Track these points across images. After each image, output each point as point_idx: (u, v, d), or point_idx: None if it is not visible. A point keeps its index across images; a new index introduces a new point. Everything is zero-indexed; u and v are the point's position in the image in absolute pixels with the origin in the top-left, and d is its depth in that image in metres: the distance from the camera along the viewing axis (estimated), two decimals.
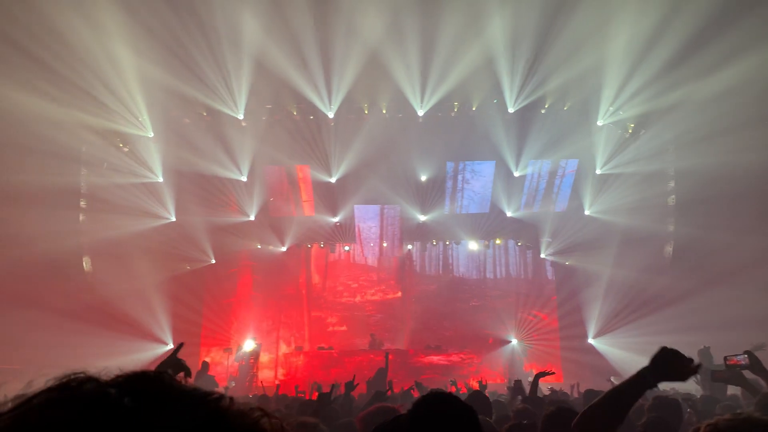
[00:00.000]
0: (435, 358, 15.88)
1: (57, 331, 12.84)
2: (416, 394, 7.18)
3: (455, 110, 16.60)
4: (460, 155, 17.98)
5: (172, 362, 3.08)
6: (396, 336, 18.47)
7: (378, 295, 19.50)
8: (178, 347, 3.25)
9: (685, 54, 12.47)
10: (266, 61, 13.86)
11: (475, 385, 10.19)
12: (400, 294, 19.52)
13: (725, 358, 5.09)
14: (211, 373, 13.70)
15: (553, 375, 7.32)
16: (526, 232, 19.15)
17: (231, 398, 0.76)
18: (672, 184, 16.44)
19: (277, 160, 17.49)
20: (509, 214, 18.63)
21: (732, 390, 7.26)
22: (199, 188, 17.39)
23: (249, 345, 16.91)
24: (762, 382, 4.56)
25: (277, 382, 14.13)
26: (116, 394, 0.70)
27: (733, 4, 11.39)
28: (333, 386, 5.88)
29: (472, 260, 19.90)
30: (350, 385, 6.49)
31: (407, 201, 18.44)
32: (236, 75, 14.51)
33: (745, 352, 4.76)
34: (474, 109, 16.49)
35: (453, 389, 9.48)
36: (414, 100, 15.65)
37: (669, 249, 16.79)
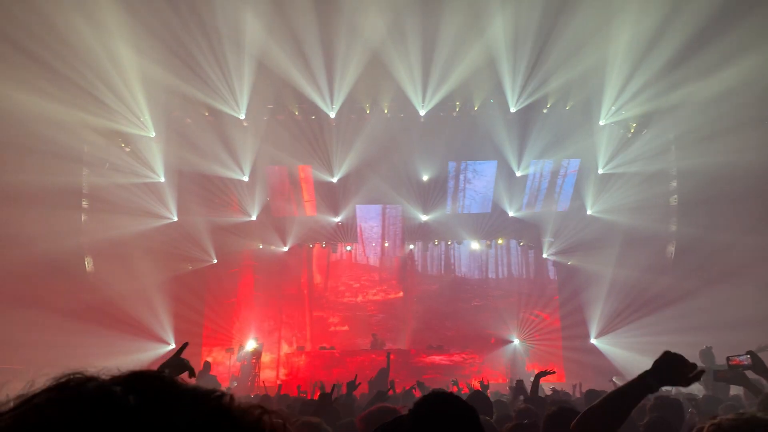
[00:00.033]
0: (437, 358, 15.87)
1: (59, 331, 12.85)
2: (418, 394, 7.17)
3: (457, 110, 16.60)
4: (461, 155, 17.97)
5: (176, 362, 3.07)
6: (397, 336, 18.47)
7: (380, 295, 19.50)
8: (182, 347, 3.24)
9: (687, 54, 12.46)
10: (268, 60, 13.87)
11: (477, 385, 10.19)
12: (401, 294, 19.51)
13: (728, 359, 5.08)
14: (213, 373, 13.72)
15: (554, 374, 7.32)
16: (528, 231, 19.13)
17: (232, 396, 0.76)
18: (674, 183, 16.42)
19: (279, 160, 17.50)
20: (511, 213, 18.62)
21: (734, 390, 7.25)
22: (201, 188, 17.41)
23: (251, 345, 16.92)
24: (764, 383, 4.56)
25: (279, 382, 14.12)
26: (121, 393, 0.70)
27: (735, 4, 11.37)
28: (334, 386, 5.88)
29: (474, 260, 19.89)
30: (352, 385, 6.49)
31: (409, 201, 18.44)
32: (238, 75, 14.52)
33: (748, 353, 4.75)
34: (476, 108, 16.49)
35: (454, 389, 9.47)
36: (416, 100, 15.65)
37: (671, 249, 16.76)
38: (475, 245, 19.69)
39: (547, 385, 11.27)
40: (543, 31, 13.16)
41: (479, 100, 16.28)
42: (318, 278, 19.67)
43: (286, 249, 19.18)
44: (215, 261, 18.48)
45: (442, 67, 14.41)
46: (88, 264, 16.19)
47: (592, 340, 17.46)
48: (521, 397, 6.45)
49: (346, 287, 19.55)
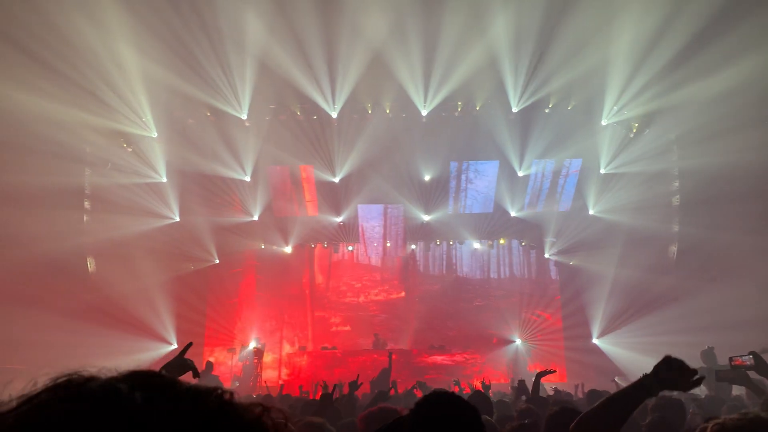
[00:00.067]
0: (439, 358, 15.88)
1: (61, 332, 12.85)
2: (419, 394, 7.17)
3: (459, 110, 16.60)
4: (463, 155, 17.97)
5: (179, 362, 3.07)
6: (400, 336, 18.46)
7: (381, 295, 19.50)
8: (186, 347, 3.23)
9: (689, 53, 12.44)
10: (270, 61, 13.87)
11: (478, 386, 10.19)
12: (403, 294, 19.51)
13: (730, 359, 5.08)
14: (215, 373, 13.76)
15: (555, 374, 7.32)
16: (530, 231, 19.12)
17: (232, 393, 0.77)
18: (676, 183, 16.40)
19: (281, 160, 17.50)
20: (513, 213, 18.61)
21: (736, 390, 7.25)
22: (203, 188, 17.42)
23: (253, 345, 16.93)
24: (767, 383, 4.55)
25: (281, 382, 14.13)
26: (127, 390, 0.70)
27: (736, 4, 11.36)
28: (335, 386, 5.89)
29: (476, 260, 19.88)
30: (354, 385, 6.49)
31: (411, 201, 18.44)
32: (240, 75, 14.52)
33: (751, 353, 4.75)
34: (478, 108, 16.48)
35: (456, 389, 9.48)
36: (417, 100, 15.65)
37: (673, 249, 16.75)
38: (476, 245, 19.68)
39: (548, 386, 11.28)
40: (545, 31, 13.15)
41: (481, 100, 16.27)
42: (320, 278, 19.68)
43: (288, 249, 19.19)
44: (217, 261, 18.50)
45: (444, 67, 14.41)
46: (90, 264, 16.21)
47: (594, 340, 17.45)
48: (523, 397, 6.45)
49: (348, 287, 19.55)
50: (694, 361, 9.21)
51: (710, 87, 12.76)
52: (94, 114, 13.92)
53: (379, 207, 19.07)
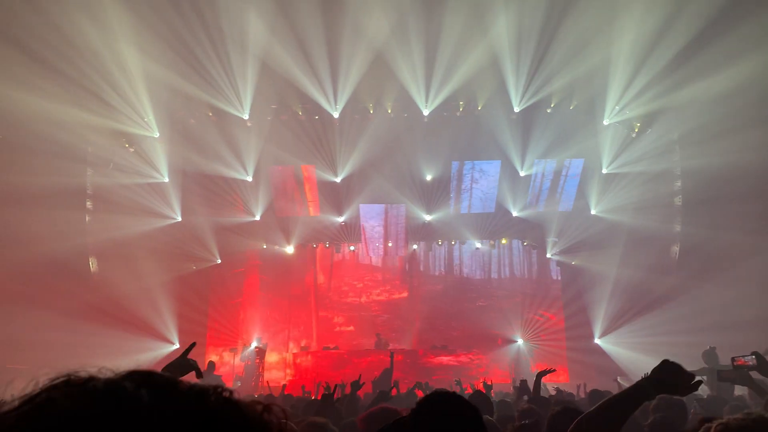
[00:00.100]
0: (445, 359, 15.90)
1: (63, 332, 12.87)
2: (421, 394, 7.17)
3: (461, 110, 16.59)
4: (465, 155, 17.95)
5: (182, 362, 3.06)
6: (402, 336, 18.45)
7: (383, 295, 19.50)
8: (189, 347, 3.23)
9: (691, 53, 12.42)
10: (271, 61, 13.88)
11: (480, 386, 10.18)
12: (405, 294, 19.51)
13: (733, 359, 5.07)
14: (217, 373, 13.78)
15: (555, 372, 7.32)
16: (532, 231, 19.11)
17: (231, 391, 0.77)
18: (678, 183, 16.38)
19: (283, 160, 17.51)
20: (515, 213, 18.60)
21: (739, 391, 7.24)
22: (205, 188, 17.43)
23: (255, 345, 16.93)
24: None
25: (283, 382, 14.12)
26: (132, 387, 0.71)
27: (738, 3, 11.34)
28: (336, 386, 5.89)
29: (478, 260, 19.88)
30: (356, 385, 6.49)
31: (412, 201, 18.43)
32: (241, 75, 14.53)
33: (753, 353, 4.74)
34: (479, 108, 16.47)
35: (457, 389, 9.47)
36: (419, 100, 15.64)
37: (675, 249, 16.72)
38: (478, 245, 19.66)
39: (551, 386, 11.28)
40: (547, 31, 13.14)
41: (483, 99, 16.26)
42: (321, 278, 19.68)
43: (290, 249, 19.20)
44: (219, 261, 18.52)
45: (445, 67, 14.41)
46: (92, 264, 16.23)
47: (597, 341, 17.43)
48: (525, 397, 6.45)
49: (350, 287, 19.56)
50: (696, 361, 9.22)
51: (712, 87, 12.74)
52: (96, 114, 13.94)
53: (381, 207, 19.07)
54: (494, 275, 19.77)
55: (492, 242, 19.65)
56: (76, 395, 0.68)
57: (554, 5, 12.48)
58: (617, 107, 15.34)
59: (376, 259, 19.79)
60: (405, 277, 19.71)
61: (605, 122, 15.93)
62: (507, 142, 16.91)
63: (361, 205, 18.61)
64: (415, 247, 19.85)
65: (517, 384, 7.96)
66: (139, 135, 15.53)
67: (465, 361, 15.98)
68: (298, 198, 18.51)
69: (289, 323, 19.00)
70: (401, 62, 14.21)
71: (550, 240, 18.94)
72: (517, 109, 15.91)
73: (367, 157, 16.80)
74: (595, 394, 6.34)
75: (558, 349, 18.10)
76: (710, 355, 9.16)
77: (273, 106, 16.33)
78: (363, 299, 19.39)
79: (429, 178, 18.20)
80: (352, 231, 19.19)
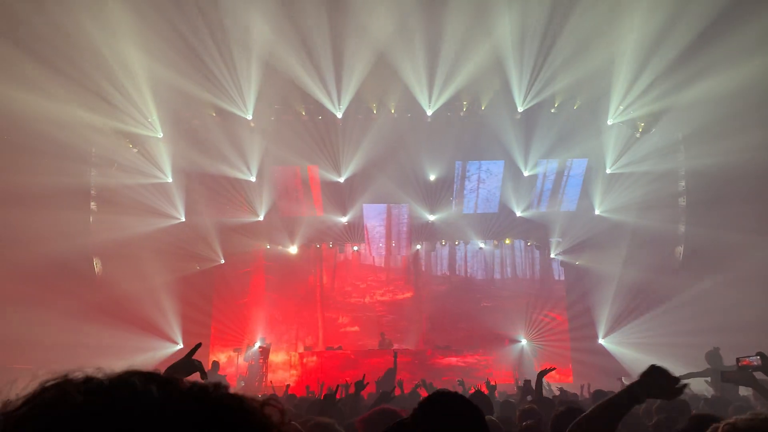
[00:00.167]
0: (453, 359, 15.90)
1: (67, 332, 12.92)
2: (424, 394, 7.16)
3: (464, 110, 16.57)
4: (469, 154, 17.95)
5: (187, 363, 3.07)
6: (407, 336, 18.42)
7: (387, 295, 19.50)
8: (195, 348, 3.23)
9: (695, 52, 12.38)
10: (275, 61, 13.89)
11: (483, 386, 10.17)
12: (409, 294, 19.50)
13: (737, 359, 5.06)
14: (221, 373, 13.79)
15: (559, 373, 7.32)
16: (535, 231, 19.09)
17: (227, 386, 0.78)
18: (683, 183, 16.34)
19: (286, 160, 17.53)
20: (519, 213, 18.59)
21: (744, 391, 7.22)
22: (208, 189, 17.47)
23: (258, 345, 16.94)
24: None
25: (287, 382, 14.12)
26: (141, 383, 0.71)
27: (742, 2, 11.30)
28: (338, 386, 5.89)
29: (482, 260, 19.85)
30: (360, 385, 6.49)
31: (416, 201, 18.44)
32: (245, 75, 14.54)
33: (758, 354, 4.73)
34: (483, 108, 16.45)
35: (460, 389, 9.46)
36: (423, 100, 15.63)
37: (680, 249, 16.69)
38: (482, 245, 19.65)
39: (555, 386, 11.27)
40: (550, 31, 13.12)
41: (486, 99, 16.24)
42: (325, 279, 19.68)
43: (294, 249, 19.22)
44: (222, 261, 18.54)
45: (449, 67, 14.39)
46: (96, 265, 16.26)
47: (600, 341, 17.40)
48: (528, 398, 6.45)
49: (353, 287, 19.56)
50: (699, 362, 9.19)
51: (716, 86, 12.70)
52: (99, 114, 13.98)
53: (384, 206, 19.08)
54: (498, 276, 19.75)
55: (495, 242, 19.63)
56: (88, 390, 0.69)
57: (558, 5, 12.46)
58: (621, 107, 15.31)
59: (379, 260, 19.78)
60: (409, 277, 19.70)
61: (609, 122, 15.89)
62: (510, 142, 16.89)
63: (364, 205, 18.62)
64: (418, 247, 19.84)
65: (521, 384, 7.95)
66: (142, 135, 15.57)
67: (472, 362, 15.98)
68: (301, 198, 18.52)
69: (295, 324, 18.99)
70: (405, 62, 14.21)
71: (554, 240, 18.92)
72: (520, 109, 15.88)
73: (370, 157, 16.81)
74: (598, 394, 6.33)
75: (562, 349, 18.07)
76: (714, 355, 9.14)
77: (276, 107, 16.34)
78: (367, 299, 19.38)
79: (432, 178, 18.20)
80: (355, 231, 19.20)
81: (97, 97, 13.47)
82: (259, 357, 16.11)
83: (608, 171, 16.84)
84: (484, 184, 18.47)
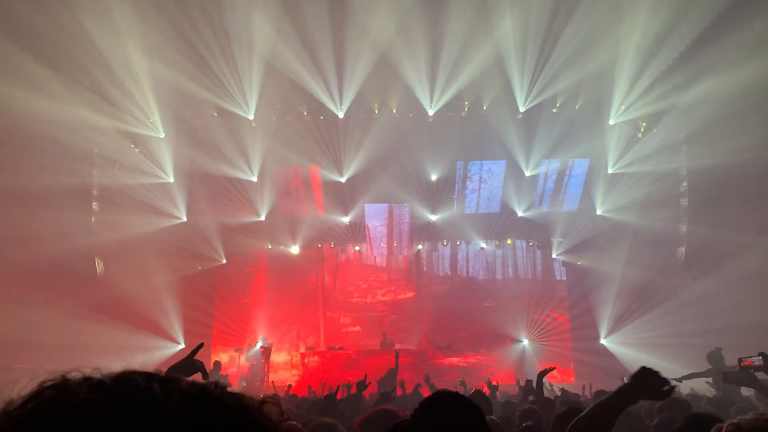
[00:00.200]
0: (455, 360, 15.90)
1: (69, 332, 12.92)
2: (425, 394, 7.16)
3: (466, 110, 16.57)
4: (470, 155, 17.94)
5: (188, 363, 3.07)
6: (409, 336, 18.40)
7: (389, 295, 19.49)
8: (197, 348, 3.23)
9: (697, 52, 12.37)
10: (277, 61, 13.90)
11: (485, 386, 10.17)
12: (411, 294, 19.49)
13: (739, 360, 5.06)
14: (223, 373, 13.80)
15: (561, 373, 7.32)
16: (537, 232, 19.07)
17: (227, 386, 0.78)
18: (685, 184, 16.32)
19: (288, 160, 17.53)
20: (520, 213, 18.57)
21: (746, 392, 7.20)
22: (210, 189, 17.48)
23: (260, 345, 16.95)
24: None
25: (289, 382, 14.12)
26: (143, 382, 0.71)
27: (745, 3, 11.29)
28: (339, 386, 5.90)
29: (483, 260, 19.84)
30: (362, 385, 6.50)
31: (417, 201, 18.43)
32: (247, 76, 14.55)
33: (760, 354, 4.73)
34: (485, 108, 16.44)
35: (461, 389, 9.46)
36: (424, 100, 15.63)
37: (682, 249, 16.66)
38: (483, 245, 19.64)
39: (557, 386, 11.26)
40: (552, 30, 13.11)
41: (488, 99, 16.23)
42: (327, 279, 19.68)
43: (295, 249, 19.22)
44: (224, 261, 18.55)
45: (450, 67, 14.39)
46: (99, 265, 16.27)
47: (602, 341, 17.38)
48: (530, 398, 6.44)
49: (355, 287, 19.55)
50: (701, 362, 9.18)
51: (718, 86, 12.69)
52: (101, 115, 14.00)
53: (386, 206, 19.08)
54: (499, 276, 19.74)
55: (497, 242, 19.62)
56: (89, 388, 0.69)
57: (560, 5, 12.45)
58: (623, 107, 15.30)
59: (380, 260, 19.77)
60: (410, 277, 19.69)
61: (611, 122, 15.88)
62: (512, 142, 16.88)
63: (366, 205, 18.62)
64: (420, 247, 19.83)
65: (523, 384, 7.94)
66: (144, 135, 15.59)
67: (474, 362, 15.98)
68: (303, 198, 18.53)
69: (297, 324, 18.98)
70: (406, 62, 14.21)
71: (556, 240, 18.90)
72: (522, 109, 15.87)
73: (372, 157, 16.81)
74: (600, 394, 6.32)
75: (564, 349, 18.05)
76: (715, 356, 9.14)
77: (278, 107, 16.36)
78: (368, 299, 19.38)
79: (434, 178, 18.19)
80: (357, 231, 19.20)
81: (99, 98, 13.49)
82: (260, 357, 16.11)
83: (610, 171, 16.82)
84: (486, 184, 18.47)
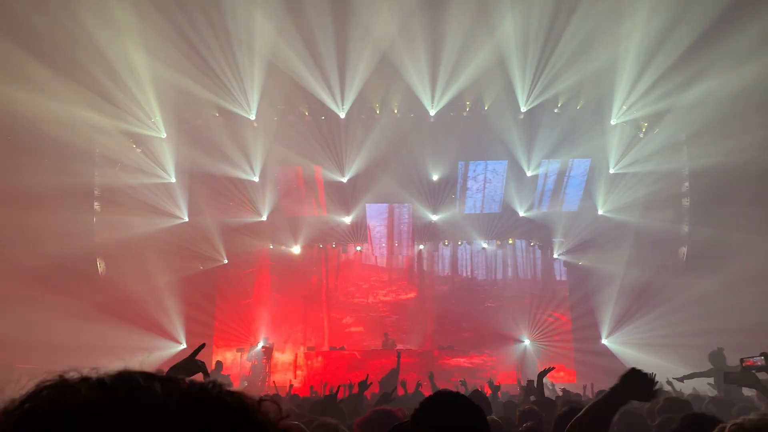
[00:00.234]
0: (460, 360, 15.88)
1: (71, 332, 12.93)
2: (426, 394, 7.15)
3: (467, 110, 16.56)
4: (472, 155, 17.93)
5: (190, 363, 3.07)
6: (412, 337, 18.37)
7: (390, 295, 19.48)
8: (198, 349, 3.23)
9: (699, 52, 12.36)
10: (278, 61, 13.91)
11: (486, 386, 10.17)
12: (413, 294, 19.47)
13: (741, 360, 5.06)
14: (224, 373, 13.81)
15: (562, 373, 7.32)
16: (538, 232, 19.05)
17: (225, 385, 0.79)
18: (686, 184, 16.30)
19: (289, 160, 17.53)
20: (522, 213, 18.55)
21: (748, 392, 7.20)
22: (212, 189, 17.48)
23: (261, 344, 16.95)
24: None
25: (291, 382, 14.11)
26: (143, 381, 0.71)
27: (746, 2, 11.27)
28: (340, 386, 5.90)
29: (485, 260, 19.82)
30: (363, 385, 6.49)
31: (419, 201, 18.42)
32: (248, 76, 14.55)
33: (762, 354, 4.73)
34: (486, 108, 16.43)
35: (462, 389, 9.46)
36: (425, 100, 15.63)
37: (683, 250, 16.64)
38: (485, 245, 19.63)
39: (558, 386, 11.26)
40: (553, 31, 13.11)
41: (489, 99, 16.22)
42: (328, 279, 19.66)
43: (297, 249, 19.22)
44: (226, 261, 18.55)
45: (452, 67, 14.39)
46: (100, 265, 16.28)
47: (604, 341, 17.37)
48: (532, 398, 6.44)
49: (356, 288, 19.54)
50: (702, 362, 9.17)
51: (720, 86, 12.67)
52: (103, 115, 14.01)
53: (387, 206, 19.07)
54: (501, 276, 19.72)
55: (498, 242, 19.61)
56: (89, 387, 0.69)
57: (561, 5, 12.45)
58: (624, 107, 15.29)
59: (381, 260, 19.76)
60: (412, 277, 19.68)
61: (612, 122, 15.87)
62: (514, 142, 16.87)
63: (367, 205, 18.61)
64: (421, 247, 19.82)
65: (524, 384, 7.94)
66: (146, 135, 15.60)
67: (478, 363, 15.97)
68: (304, 198, 18.53)
69: (299, 324, 18.97)
70: (408, 62, 14.21)
71: (557, 240, 18.88)
72: (523, 109, 15.87)
73: (373, 157, 16.81)
74: (601, 394, 6.32)
75: (565, 349, 18.04)
76: (717, 356, 9.13)
77: (279, 107, 16.36)
78: (370, 300, 19.36)
79: (435, 178, 18.18)
80: (358, 231, 19.19)
81: (101, 98, 13.50)
82: (262, 357, 16.11)
83: (611, 171, 16.81)
84: (487, 184, 18.45)
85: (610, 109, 15.54)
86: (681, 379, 8.59)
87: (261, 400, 0.80)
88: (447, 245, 19.69)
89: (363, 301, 19.35)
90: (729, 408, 5.10)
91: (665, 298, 15.61)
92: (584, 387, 10.60)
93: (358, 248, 19.53)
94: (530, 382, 7.42)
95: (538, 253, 19.68)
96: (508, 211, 18.63)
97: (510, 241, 19.57)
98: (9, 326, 12.02)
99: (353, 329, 18.96)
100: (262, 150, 16.84)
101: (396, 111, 16.50)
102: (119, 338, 14.01)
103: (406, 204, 18.83)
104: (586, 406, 2.42)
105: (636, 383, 2.30)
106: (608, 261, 17.07)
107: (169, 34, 12.55)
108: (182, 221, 17.17)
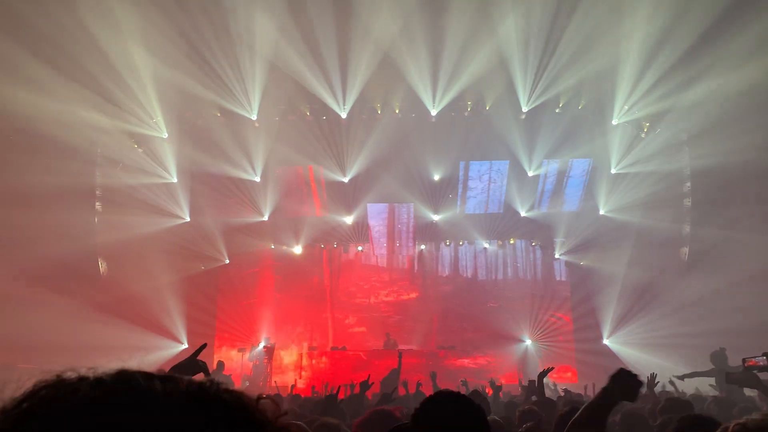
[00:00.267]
0: (464, 361, 15.88)
1: (72, 332, 12.94)
2: (427, 394, 7.14)
3: (468, 110, 16.56)
4: (473, 155, 17.92)
5: (191, 363, 3.07)
6: (414, 337, 18.35)
7: (392, 296, 19.47)
8: (200, 349, 3.23)
9: (700, 51, 12.34)
10: (280, 61, 13.90)
11: (488, 386, 10.17)
12: (414, 295, 19.47)
13: (743, 360, 5.05)
14: (226, 373, 13.81)
15: (564, 373, 7.32)
16: (540, 232, 19.04)
17: (224, 384, 0.79)
18: (688, 184, 16.29)
19: (291, 161, 17.54)
20: (523, 214, 18.54)
21: (749, 392, 7.19)
22: (213, 189, 17.48)
23: (263, 344, 16.95)
24: None
25: (292, 383, 14.12)
26: (143, 380, 0.71)
27: (747, 1, 11.26)
28: (341, 386, 5.90)
29: (486, 261, 19.81)
30: (365, 385, 6.50)
31: (420, 201, 18.42)
32: (250, 76, 14.55)
33: (764, 354, 4.72)
34: (487, 108, 16.42)
35: (463, 389, 9.46)
36: (427, 100, 15.62)
37: (685, 250, 16.63)
38: (486, 245, 19.62)
39: (560, 386, 11.25)
40: (555, 31, 13.10)
41: (491, 99, 16.22)
42: (332, 279, 19.66)
43: (298, 249, 19.22)
44: (227, 261, 18.56)
45: (453, 67, 14.38)
46: (102, 265, 16.29)
47: (605, 341, 17.36)
48: (533, 398, 6.44)
49: (357, 288, 19.54)
50: (704, 362, 9.15)
51: (721, 86, 12.66)
52: (104, 115, 14.02)
53: (388, 206, 19.07)
54: (502, 276, 19.71)
55: (500, 242, 19.60)
56: (89, 386, 0.69)
57: (562, 5, 12.43)
58: (626, 107, 15.27)
59: (382, 260, 19.76)
60: (413, 277, 19.67)
61: (614, 122, 15.86)
62: (515, 142, 16.86)
63: (368, 205, 18.62)
64: (422, 247, 19.81)
65: (525, 384, 7.94)
66: (147, 135, 15.60)
67: (483, 363, 15.96)
68: (306, 198, 18.53)
69: (301, 324, 18.96)
70: (409, 62, 14.20)
71: (559, 240, 18.87)
72: (525, 109, 15.85)
73: (374, 157, 16.80)
74: None
75: (567, 350, 18.02)
76: (719, 356, 9.12)
77: (281, 107, 16.36)
78: (371, 300, 19.36)
79: (436, 178, 18.17)
80: (360, 231, 19.19)
81: (102, 98, 13.51)
82: (263, 357, 16.11)
83: (613, 171, 16.79)
84: (489, 184, 18.45)
85: (612, 109, 15.52)
86: (682, 378, 8.59)
87: (259, 398, 0.80)
88: (448, 245, 19.68)
89: (364, 301, 19.35)
90: (731, 408, 5.10)
91: (667, 299, 15.60)
92: (585, 387, 10.60)
93: (360, 248, 19.53)
94: (531, 382, 7.42)
95: (540, 253, 19.67)
96: (509, 211, 18.62)
97: (511, 241, 19.56)
98: (10, 326, 12.02)
99: (356, 329, 18.96)
100: (264, 150, 16.84)
101: (397, 111, 16.50)
102: (121, 338, 14.02)
103: (407, 204, 18.83)
104: (583, 406, 2.47)
105: (624, 383, 2.36)
106: (610, 261, 17.06)
107: (171, 34, 12.55)
108: (184, 221, 17.18)
